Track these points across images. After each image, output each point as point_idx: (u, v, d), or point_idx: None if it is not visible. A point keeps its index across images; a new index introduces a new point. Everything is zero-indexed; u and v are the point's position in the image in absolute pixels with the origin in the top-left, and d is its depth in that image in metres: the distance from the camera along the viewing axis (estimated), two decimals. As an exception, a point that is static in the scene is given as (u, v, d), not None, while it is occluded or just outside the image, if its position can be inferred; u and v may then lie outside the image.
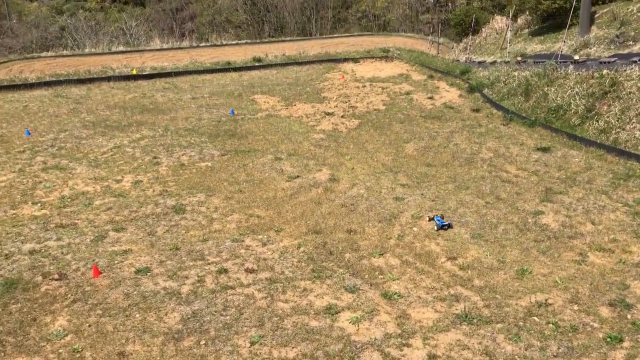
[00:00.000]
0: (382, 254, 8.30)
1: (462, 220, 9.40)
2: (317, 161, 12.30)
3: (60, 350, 6.11)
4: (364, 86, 19.83)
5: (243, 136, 14.16)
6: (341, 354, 6.04)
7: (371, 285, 7.49)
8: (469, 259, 8.19)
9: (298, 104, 17.58)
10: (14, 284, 7.36)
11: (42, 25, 56.57)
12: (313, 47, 31.47)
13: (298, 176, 11.35)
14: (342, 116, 16.07)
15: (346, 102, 17.60)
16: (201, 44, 39.46)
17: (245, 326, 6.51)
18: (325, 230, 9.01)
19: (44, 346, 6.20)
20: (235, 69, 23.57)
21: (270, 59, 25.50)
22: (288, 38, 44.88)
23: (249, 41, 42.69)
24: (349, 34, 45.93)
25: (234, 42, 41.04)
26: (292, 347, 6.14)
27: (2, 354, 6.04)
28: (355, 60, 24.73)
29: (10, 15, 60.71)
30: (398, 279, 7.64)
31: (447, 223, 9.05)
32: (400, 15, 50.53)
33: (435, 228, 9.02)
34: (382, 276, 7.72)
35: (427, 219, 9.26)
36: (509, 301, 7.09)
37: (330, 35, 46.60)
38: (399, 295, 7.22)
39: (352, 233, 8.95)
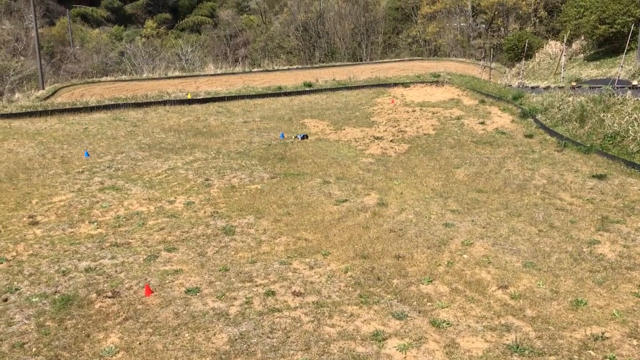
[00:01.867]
0: (431, 281, 8.18)
1: (513, 248, 9.19)
2: (366, 185, 12.30)
3: (112, 367, 6.26)
4: (413, 111, 19.79)
5: (292, 159, 14.32)
6: (388, 382, 5.94)
7: (419, 312, 7.37)
8: (521, 288, 7.97)
9: (347, 128, 17.68)
10: (70, 300, 7.60)
11: (103, 51, 59.10)
12: (363, 72, 31.70)
13: (346, 200, 11.37)
14: (391, 140, 16.05)
15: (395, 127, 17.58)
16: (253, 69, 40.33)
17: (292, 350, 6.51)
18: (373, 255, 8.96)
19: (96, 362, 6.36)
20: (286, 94, 23.96)
21: (320, 84, 25.82)
22: (338, 63, 45.38)
23: (299, 66, 43.39)
24: (399, 59, 46.05)
25: (285, 68, 41.76)
26: (338, 373, 6.09)
27: (57, 368, 6.23)
28: (405, 84, 24.75)
29: (73, 42, 63.70)
30: (447, 307, 7.50)
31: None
32: (451, 40, 50.35)
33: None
34: (430, 303, 7.60)
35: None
36: (562, 333, 6.85)
37: (381, 60, 46.83)
38: (447, 324, 7.08)
39: (400, 259, 8.86)
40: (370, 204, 11.15)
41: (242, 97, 23.30)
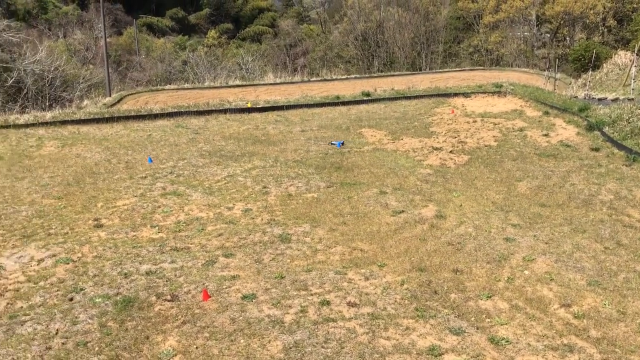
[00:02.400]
0: (490, 297, 7.96)
1: (578, 265, 8.83)
2: (424, 196, 12.12)
3: (169, 369, 6.38)
4: (474, 121, 19.41)
5: (349, 169, 14.29)
6: (444, 399, 5.81)
7: (477, 328, 7.19)
8: (585, 307, 7.64)
9: (405, 138, 17.53)
10: (131, 302, 7.82)
11: (167, 60, 60.92)
12: (422, 81, 31.38)
13: (403, 211, 11.24)
14: (450, 151, 15.80)
15: (455, 137, 17.29)
16: (312, 79, 40.61)
17: (346, 361, 6.46)
18: (430, 268, 8.80)
19: (154, 364, 6.50)
20: (344, 103, 23.98)
21: (378, 93, 25.71)
22: (397, 72, 45.11)
23: (358, 76, 43.39)
24: (459, 69, 45.35)
25: (343, 77, 41.84)
26: (393, 387, 6.00)
27: (118, 368, 6.40)
28: (465, 95, 24.33)
29: (139, 51, 66.02)
30: (506, 324, 7.27)
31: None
32: (514, 50, 49.21)
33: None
34: (489, 320, 7.39)
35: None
36: (630, 357, 6.51)
37: (441, 70, 46.26)
38: (507, 341, 6.86)
39: (458, 273, 8.68)
40: (428, 215, 10.98)
41: (300, 106, 23.47)
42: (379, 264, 9.01)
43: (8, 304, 7.83)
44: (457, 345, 6.78)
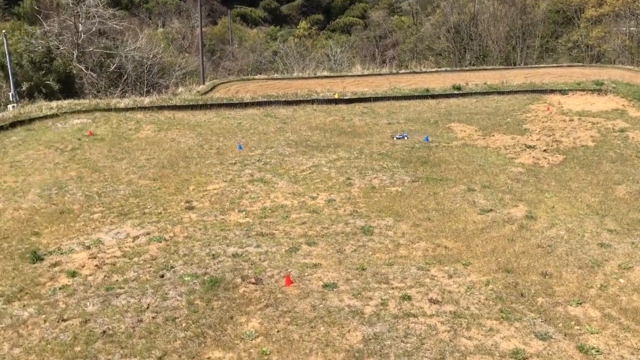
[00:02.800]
0: (581, 303, 7.59)
1: (681, 277, 8.23)
2: (514, 196, 11.71)
3: (251, 350, 6.57)
4: (571, 120, 18.50)
5: (436, 164, 14.04)
6: (527, 405, 5.62)
7: (565, 335, 6.88)
8: (689, 323, 7.12)
9: (497, 134, 16.98)
10: (218, 282, 8.10)
11: (258, 50, 62.25)
12: (516, 76, 30.24)
13: (491, 210, 10.91)
14: (544, 150, 15.15)
15: (550, 136, 16.56)
16: (400, 71, 40.17)
17: (426, 357, 6.39)
18: (517, 270, 8.51)
19: (237, 344, 6.71)
20: (433, 96, 23.54)
21: (470, 87, 25.04)
22: (490, 67, 43.73)
23: (448, 69, 42.43)
24: (556, 65, 43.29)
25: (433, 70, 41.08)
26: (473, 388, 5.87)
27: (203, 345, 6.67)
28: (562, 92, 23.21)
29: (232, 41, 67.86)
30: (597, 333, 6.91)
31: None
32: (618, 46, 46.31)
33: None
34: (578, 327, 7.06)
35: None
36: None
37: (536, 65, 44.37)
38: (597, 351, 6.53)
39: (547, 276, 8.33)
40: (518, 216, 10.60)
41: (388, 98, 23.28)
42: (464, 262, 8.81)
43: (105, 276, 8.33)
44: (543, 350, 6.53)
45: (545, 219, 10.46)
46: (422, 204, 11.31)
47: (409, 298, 7.67)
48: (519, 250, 9.20)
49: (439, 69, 41.67)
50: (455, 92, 24.14)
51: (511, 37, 53.66)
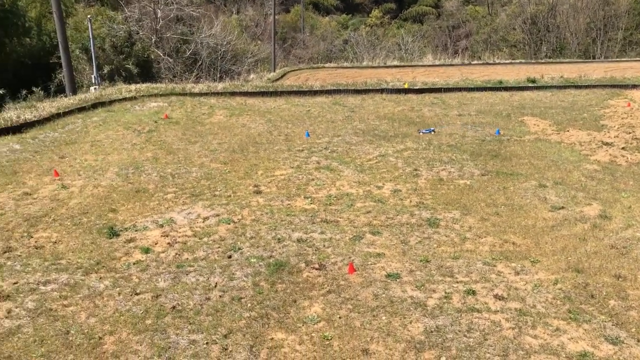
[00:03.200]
0: (656, 309, 7.26)
1: None
2: (587, 194, 11.29)
3: (313, 334, 6.69)
4: (654, 117, 17.57)
5: (507, 158, 13.70)
6: (593, 409, 5.46)
7: (638, 341, 6.61)
8: None
9: (572, 130, 16.37)
10: (282, 266, 8.27)
11: (329, 39, 62.33)
12: (595, 70, 28.97)
13: (563, 207, 10.57)
14: (622, 148, 14.47)
15: (630, 133, 15.79)
16: (473, 62, 39.29)
17: (489, 353, 6.31)
18: (588, 271, 8.22)
19: (299, 327, 6.85)
20: (507, 89, 22.93)
21: (545, 80, 24.22)
22: (567, 60, 42.10)
23: (523, 61, 41.14)
24: (641, 58, 41.07)
25: (507, 61, 39.94)
26: (537, 387, 5.76)
27: (267, 326, 6.85)
28: (646, 87, 22.04)
29: (304, 29, 68.24)
30: (674, 342, 6.60)
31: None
32: None
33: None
34: (653, 334, 6.76)
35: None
36: None
37: (618, 59, 42.28)
38: (672, 360, 6.24)
39: (620, 279, 8.01)
40: (591, 215, 10.22)
41: (459, 89, 22.86)
42: (532, 259, 8.59)
43: (176, 254, 8.68)
44: (613, 355, 6.30)
45: (620, 219, 10.03)
46: (491, 198, 11.09)
47: (474, 293, 7.58)
48: (591, 250, 8.88)
49: (513, 61, 40.44)
50: (530, 84, 23.41)
51: (591, 29, 51.26)
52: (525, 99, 21.14)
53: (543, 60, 41.60)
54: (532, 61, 41.30)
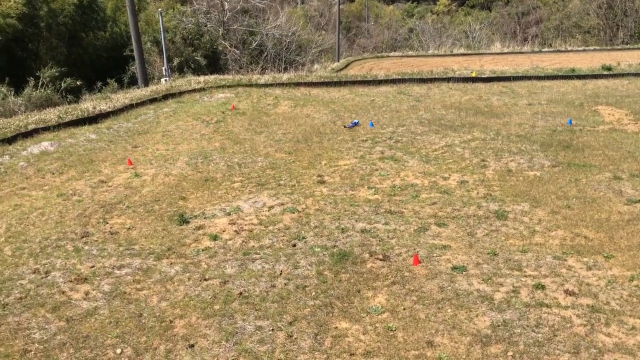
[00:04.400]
0: None
1: None
2: (667, 187, 10.71)
3: (377, 325, 6.70)
4: None
5: (579, 149, 13.18)
6: (671, 412, 5.22)
7: None
8: None
9: (651, 120, 15.55)
10: (346, 256, 8.31)
11: (394, 27, 61.68)
12: (678, 56, 27.33)
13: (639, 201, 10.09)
14: None
15: None
16: (543, 49, 37.96)
17: (558, 349, 6.13)
18: (668, 267, 7.82)
19: (363, 317, 6.88)
20: (579, 77, 22.02)
21: (622, 68, 23.09)
22: (647, 45, 39.88)
23: (597, 47, 39.37)
24: None
25: (580, 49, 38.34)
26: (610, 387, 5.56)
27: (331, 315, 6.92)
28: None
29: (368, 18, 67.81)
30: None
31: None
32: None
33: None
34: None
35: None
36: None
37: (703, 44, 39.72)
38: None
39: (703, 277, 7.58)
40: (671, 209, 9.70)
41: (529, 77, 22.14)
42: (606, 254, 8.26)
43: (243, 241, 8.88)
44: (694, 357, 5.99)
45: None
46: (562, 191, 10.71)
47: (543, 287, 7.37)
48: (671, 246, 8.44)
49: (586, 48, 38.75)
50: (605, 72, 22.39)
51: (675, 12, 48.29)
52: (600, 88, 20.23)
53: (620, 47, 39.62)
54: (608, 48, 39.43)
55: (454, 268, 7.91)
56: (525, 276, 7.67)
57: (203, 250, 8.67)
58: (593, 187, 10.82)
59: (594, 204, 10.08)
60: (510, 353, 6.10)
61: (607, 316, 6.73)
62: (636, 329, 6.47)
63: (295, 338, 6.49)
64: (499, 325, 6.59)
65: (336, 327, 6.68)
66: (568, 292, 7.25)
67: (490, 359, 6.03)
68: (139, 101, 18.18)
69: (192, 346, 6.40)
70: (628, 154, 12.73)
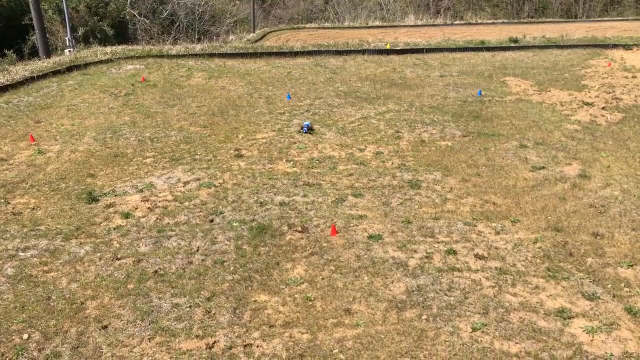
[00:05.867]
0: (632, 266, 7.40)
1: None
2: (568, 154, 11.37)
3: (296, 296, 6.72)
4: (634, 77, 17.65)
5: (488, 119, 13.72)
6: (569, 363, 5.60)
7: (614, 296, 6.76)
8: None
9: (553, 90, 16.40)
10: (265, 229, 8.26)
11: (310, -1, 61.13)
12: (577, 30, 28.92)
13: (543, 167, 10.65)
14: (602, 108, 14.56)
15: (610, 93, 15.87)
16: (455, 22, 39.00)
17: (469, 311, 6.40)
18: (567, 229, 8.34)
19: (282, 289, 6.88)
20: (489, 49, 22.84)
21: (527, 40, 24.16)
22: (549, 19, 41.96)
23: (505, 21, 40.95)
24: (621, 18, 41.10)
25: (489, 21, 39.72)
26: (516, 343, 5.87)
27: (250, 288, 6.86)
28: (626, 47, 22.10)
29: (284, -12, 66.80)
30: (648, 297, 6.75)
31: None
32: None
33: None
34: (628, 289, 6.91)
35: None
36: None
37: (599, 19, 42.26)
38: (647, 315, 6.39)
39: (598, 237, 8.14)
40: (571, 174, 10.32)
41: (441, 49, 22.71)
42: (512, 219, 8.68)
43: (157, 218, 8.61)
44: (590, 310, 6.44)
45: (599, 179, 10.15)
46: (472, 159, 11.13)
47: (454, 252, 7.65)
48: (570, 209, 8.99)
49: (495, 21, 40.20)
50: (512, 44, 23.35)
51: (574, -12, 51.02)
52: (507, 59, 21.09)
53: (525, 20, 41.42)
54: (515, 21, 41.10)
55: (370, 237, 8.05)
56: (438, 242, 7.94)
57: (114, 229, 8.33)
58: (501, 156, 11.30)
59: (501, 172, 10.54)
60: (424, 317, 6.30)
61: (513, 277, 7.09)
62: (539, 288, 6.86)
63: (214, 313, 6.40)
64: (413, 291, 6.79)
65: (255, 300, 6.64)
66: (478, 256, 7.57)
67: (405, 323, 6.21)
68: (40, 73, 17.07)
69: (105, 327, 6.16)
70: (533, 123, 13.38)
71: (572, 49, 22.73)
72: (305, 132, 12.40)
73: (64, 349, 5.85)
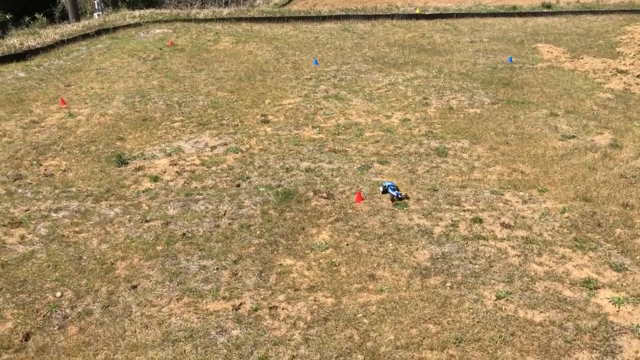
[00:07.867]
0: (662, 238, 7.30)
1: None
2: (599, 123, 11.13)
3: (321, 261, 6.80)
4: (672, 44, 17.04)
5: (518, 86, 13.45)
6: (594, 331, 5.59)
7: (642, 268, 6.69)
8: None
9: (586, 57, 15.95)
10: (291, 194, 8.32)
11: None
12: (615, -6, 27.88)
13: (574, 136, 10.45)
14: (638, 76, 14.13)
15: (646, 61, 15.38)
16: (487, -14, 37.85)
17: (493, 279, 6.41)
18: (597, 200, 8.22)
19: (308, 253, 6.96)
20: (520, 14, 22.23)
21: (561, 5, 23.43)
22: (585, -17, 40.46)
23: (539, -15, 39.61)
24: (662, -18, 39.42)
25: (522, -14, 38.45)
26: (540, 312, 5.88)
27: (275, 252, 6.96)
28: (666, 12, 21.27)
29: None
30: (677, 269, 6.67)
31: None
32: None
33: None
34: (657, 261, 6.83)
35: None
36: None
37: (638, -18, 40.58)
38: (675, 287, 6.32)
39: (628, 208, 8.01)
40: (602, 144, 10.11)
41: (472, 15, 22.18)
42: (540, 188, 8.58)
43: (185, 182, 8.73)
44: (617, 281, 6.39)
45: (631, 149, 9.93)
46: (501, 127, 10.97)
47: (480, 221, 7.62)
48: (600, 179, 8.85)
49: (529, -15, 38.94)
50: (545, 10, 22.67)
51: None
52: (539, 25, 20.52)
53: (560, -16, 40.06)
54: (549, -15, 39.77)
55: (396, 204, 8.05)
56: (464, 210, 7.91)
57: (143, 191, 8.48)
58: (530, 124, 11.11)
59: (530, 140, 10.38)
60: (448, 284, 6.34)
61: (539, 247, 7.05)
62: (565, 258, 6.82)
63: (240, 276, 6.52)
64: (438, 258, 6.81)
65: (281, 264, 6.75)
66: (504, 225, 7.53)
67: (429, 289, 6.25)
68: (70, 37, 17.21)
69: (134, 287, 6.34)
70: (564, 91, 13.09)
71: (608, 14, 22.00)
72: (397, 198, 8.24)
73: (95, 307, 6.05)
